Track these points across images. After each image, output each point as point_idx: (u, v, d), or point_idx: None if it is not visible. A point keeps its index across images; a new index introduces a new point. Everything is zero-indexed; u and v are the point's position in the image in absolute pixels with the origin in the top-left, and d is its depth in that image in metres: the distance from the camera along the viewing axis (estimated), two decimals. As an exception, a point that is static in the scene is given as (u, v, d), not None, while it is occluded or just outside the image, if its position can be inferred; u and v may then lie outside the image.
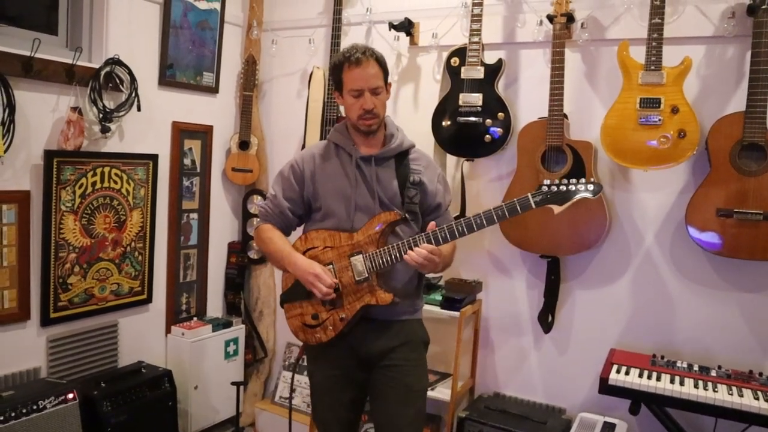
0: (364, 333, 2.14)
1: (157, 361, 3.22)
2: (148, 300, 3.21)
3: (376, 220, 2.10)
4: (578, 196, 1.97)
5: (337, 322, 2.12)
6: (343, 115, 3.20)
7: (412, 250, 2.00)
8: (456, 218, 2.24)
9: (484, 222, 1.99)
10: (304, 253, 2.17)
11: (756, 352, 2.55)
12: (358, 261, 2.09)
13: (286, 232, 2.29)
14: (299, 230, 2.31)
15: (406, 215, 2.12)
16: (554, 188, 1.97)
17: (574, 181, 1.97)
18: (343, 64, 2.10)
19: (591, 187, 1.97)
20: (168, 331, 3.34)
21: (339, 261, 2.12)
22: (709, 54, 2.58)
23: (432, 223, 2.04)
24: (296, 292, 2.18)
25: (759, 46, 2.32)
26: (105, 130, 2.89)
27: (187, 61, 3.31)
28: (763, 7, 2.32)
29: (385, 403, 2.16)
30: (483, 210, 1.99)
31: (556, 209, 1.99)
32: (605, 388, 2.39)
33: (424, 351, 2.27)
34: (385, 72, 2.14)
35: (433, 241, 2.00)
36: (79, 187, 2.83)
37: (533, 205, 1.96)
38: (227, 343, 3.43)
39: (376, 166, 2.15)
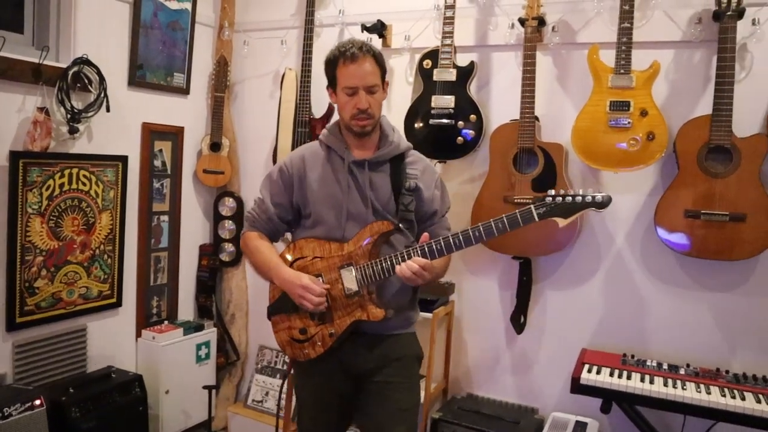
0: (354, 348, 2.05)
1: (128, 365, 3.17)
2: (118, 304, 3.16)
3: (368, 231, 1.99)
4: (585, 209, 1.83)
5: (326, 337, 2.02)
6: (315, 116, 3.23)
7: (404, 262, 1.91)
8: None
9: (483, 235, 1.88)
10: (292, 263, 2.07)
11: (722, 350, 2.60)
12: (348, 273, 1.98)
13: (274, 238, 2.20)
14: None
15: (400, 225, 2.01)
16: (559, 199, 1.83)
17: (580, 192, 1.84)
18: (337, 60, 1.98)
19: (599, 198, 1.82)
20: (138, 335, 3.28)
21: (329, 273, 2.01)
22: (676, 58, 2.63)
23: (425, 235, 1.94)
24: (283, 305, 2.07)
25: (724, 51, 2.37)
26: (73, 131, 2.83)
27: (157, 61, 3.26)
28: (728, 13, 2.37)
29: (374, 420, 2.07)
30: (469, 226, 1.92)
31: (561, 222, 1.85)
32: (577, 387, 2.42)
33: (417, 366, 2.16)
34: (383, 70, 2.03)
35: (428, 255, 1.91)
36: (47, 189, 2.77)
37: (536, 218, 1.84)
38: (199, 347, 3.39)
39: (369, 170, 2.04)
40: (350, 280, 1.98)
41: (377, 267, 1.96)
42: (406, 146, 2.13)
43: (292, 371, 2.26)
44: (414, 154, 2.16)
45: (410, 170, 2.08)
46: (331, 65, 2.02)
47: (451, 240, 1.90)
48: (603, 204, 1.82)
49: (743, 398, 2.23)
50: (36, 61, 2.69)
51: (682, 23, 2.60)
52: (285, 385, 2.77)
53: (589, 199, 1.82)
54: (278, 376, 3.46)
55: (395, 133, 2.13)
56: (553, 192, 1.85)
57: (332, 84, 2.05)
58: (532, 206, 1.85)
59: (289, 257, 2.09)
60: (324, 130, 2.15)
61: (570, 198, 1.83)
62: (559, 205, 1.83)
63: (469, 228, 1.90)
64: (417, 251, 1.92)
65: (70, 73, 2.80)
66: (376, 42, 3.17)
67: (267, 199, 2.14)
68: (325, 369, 2.08)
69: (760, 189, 2.37)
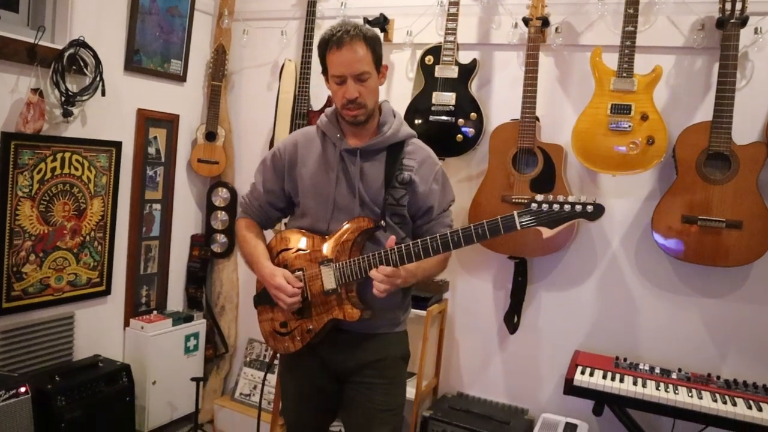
0: (334, 346, 1.98)
1: (115, 355, 3.12)
2: (107, 292, 3.11)
3: (348, 227, 1.91)
4: (573, 220, 1.64)
5: (305, 333, 1.97)
6: (314, 109, 3.20)
7: (380, 265, 1.82)
8: None
9: (462, 240, 1.75)
10: (278, 254, 2.01)
11: (714, 356, 2.61)
12: (327, 270, 1.91)
13: (268, 225, 2.15)
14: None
15: (382, 222, 1.90)
16: (545, 207, 1.65)
17: (571, 199, 1.64)
18: (327, 45, 1.86)
19: (589, 209, 1.62)
20: (126, 324, 3.24)
21: (310, 268, 1.95)
22: (678, 64, 2.64)
23: (391, 239, 1.83)
24: (267, 296, 2.01)
25: (727, 59, 2.38)
26: (67, 114, 2.78)
27: (154, 47, 3.22)
28: (732, 21, 2.38)
29: (356, 421, 2.02)
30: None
31: (546, 233, 1.67)
32: (570, 388, 2.42)
33: (403, 366, 2.09)
34: (376, 54, 1.88)
35: (405, 259, 1.80)
36: (38, 173, 2.72)
37: (518, 227, 1.69)
38: (187, 338, 3.35)
39: (362, 160, 1.93)
40: (329, 277, 1.92)
41: (354, 266, 1.87)
42: (406, 134, 1.99)
43: (275, 363, 2.19)
44: (415, 143, 2.02)
45: (407, 161, 1.96)
46: (322, 49, 1.90)
47: (430, 244, 1.78)
48: (594, 215, 1.64)
49: (734, 404, 2.25)
50: (31, 41, 2.63)
51: (685, 29, 2.61)
52: (266, 378, 2.72)
53: (579, 208, 1.64)
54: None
55: (396, 119, 1.99)
56: (540, 198, 1.67)
57: (324, 70, 1.93)
58: (515, 214, 1.69)
59: (275, 247, 2.04)
60: (322, 115, 2.04)
61: (557, 206, 1.65)
62: (545, 213, 1.66)
63: (448, 233, 1.79)
64: (394, 254, 1.81)
65: (66, 55, 2.74)
66: (377, 36, 3.15)
67: (259, 185, 2.08)
68: (307, 364, 2.05)
69: (757, 197, 2.38)
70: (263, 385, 2.49)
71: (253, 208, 2.11)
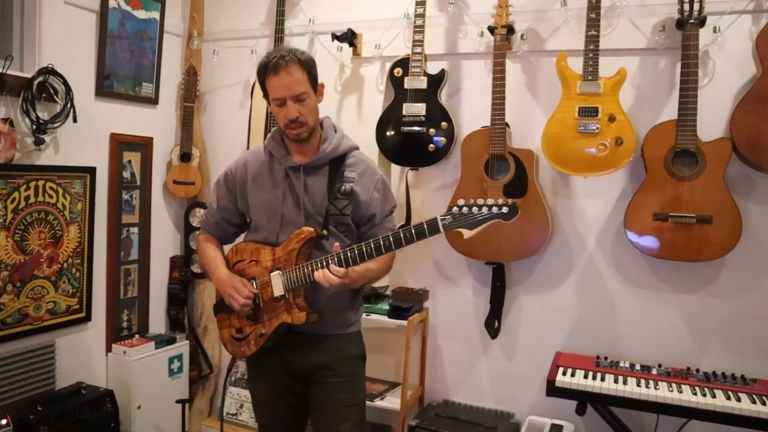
0: (293, 347, 2.11)
1: (98, 381, 3.10)
2: (87, 318, 3.09)
3: (294, 237, 2.03)
4: (489, 222, 1.81)
5: (258, 337, 2.11)
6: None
7: (322, 269, 1.93)
8: (401, 227, 2.12)
9: (392, 244, 1.89)
10: (234, 265, 2.16)
11: (692, 350, 2.65)
12: (276, 277, 2.05)
13: (226, 240, 2.29)
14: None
15: (324, 231, 2.03)
16: (465, 210, 1.82)
17: (490, 201, 1.81)
18: (265, 70, 1.99)
19: (505, 210, 1.80)
20: (109, 349, 3.21)
21: (261, 276, 2.09)
22: (642, 65, 2.69)
23: (336, 245, 1.96)
24: (225, 304, 2.15)
25: (688, 58, 2.43)
26: (39, 142, 2.77)
27: (125, 71, 3.22)
28: (691, 21, 2.44)
29: (320, 418, 2.13)
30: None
31: (466, 233, 1.83)
32: (552, 390, 2.44)
33: (360, 364, 2.20)
34: (312, 75, 2.01)
35: (344, 263, 1.92)
36: (12, 202, 2.71)
37: (441, 229, 1.83)
38: (171, 360, 3.33)
39: (305, 175, 2.06)
40: (278, 284, 2.05)
41: (299, 272, 2.00)
42: (347, 148, 2.12)
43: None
44: (356, 155, 2.14)
45: (348, 173, 2.09)
46: (261, 75, 2.02)
47: (364, 248, 1.92)
48: (509, 216, 1.80)
49: (714, 396, 2.28)
50: (-1, 70, 2.63)
51: (647, 31, 2.66)
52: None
53: (495, 210, 1.80)
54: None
55: (337, 134, 2.11)
56: (461, 202, 1.83)
57: (265, 94, 2.06)
58: (438, 217, 1.84)
59: (231, 259, 2.19)
60: (269, 136, 2.17)
61: (476, 209, 1.81)
62: (464, 215, 1.82)
63: (380, 238, 1.91)
64: (335, 259, 1.93)
65: (35, 83, 2.74)
66: (346, 51, 3.18)
67: (214, 204, 2.24)
68: (270, 365, 2.16)
69: (725, 191, 2.43)
70: (224, 390, 2.51)
71: (210, 225, 2.26)
